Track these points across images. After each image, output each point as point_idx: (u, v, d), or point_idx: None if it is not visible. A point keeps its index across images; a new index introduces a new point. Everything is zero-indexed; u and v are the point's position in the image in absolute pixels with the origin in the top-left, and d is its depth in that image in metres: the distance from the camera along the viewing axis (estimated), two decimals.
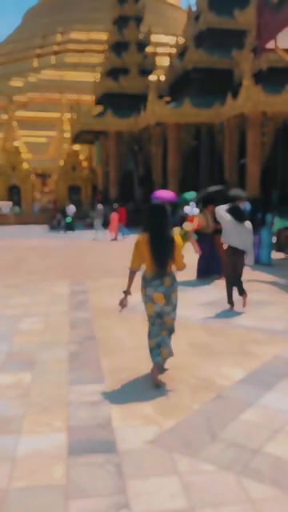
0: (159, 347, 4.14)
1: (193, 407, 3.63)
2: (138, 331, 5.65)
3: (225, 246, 7.18)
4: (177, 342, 5.06)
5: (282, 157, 25.41)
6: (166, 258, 4.07)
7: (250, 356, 4.79)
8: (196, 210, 9.28)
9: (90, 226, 27.07)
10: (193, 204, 9.28)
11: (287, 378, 4.17)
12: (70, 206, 24.08)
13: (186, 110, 24.12)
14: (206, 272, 9.52)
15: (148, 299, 4.16)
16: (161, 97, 26.45)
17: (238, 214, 6.73)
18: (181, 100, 25.28)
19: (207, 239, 9.47)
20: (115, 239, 18.39)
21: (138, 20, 30.10)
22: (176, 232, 4.63)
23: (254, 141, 22.44)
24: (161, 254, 4.06)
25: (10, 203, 30.15)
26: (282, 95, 21.57)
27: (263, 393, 3.84)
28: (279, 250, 13.30)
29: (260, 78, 22.84)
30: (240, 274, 6.86)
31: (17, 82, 57.68)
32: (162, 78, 30.24)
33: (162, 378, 4.19)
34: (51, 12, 66.09)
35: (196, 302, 7.31)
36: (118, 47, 29.27)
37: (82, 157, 35.62)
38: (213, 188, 10.84)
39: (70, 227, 23.21)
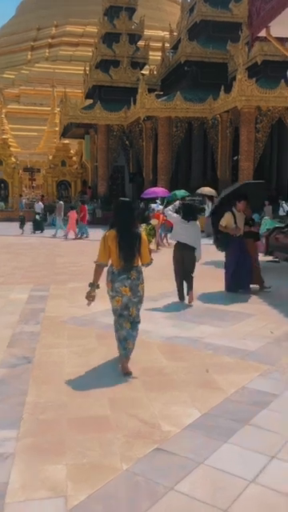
0: (126, 340, 4.28)
1: (120, 467, 2.78)
2: (85, 352, 4.81)
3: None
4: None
5: (276, 154, 24.56)
6: (132, 253, 4.23)
7: (212, 388, 3.94)
8: (161, 207, 8.73)
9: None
10: (158, 202, 8.70)
11: (250, 423, 3.31)
12: (39, 203, 22.82)
13: (178, 104, 23.26)
14: (237, 284, 7.84)
15: (116, 293, 4.26)
16: (153, 90, 25.55)
17: (187, 212, 7.07)
18: (173, 94, 24.39)
19: (236, 244, 7.76)
20: (76, 238, 17.63)
21: (131, 10, 29.12)
22: (143, 227, 5.07)
23: (248, 137, 21.60)
24: (128, 248, 4.20)
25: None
26: (276, 90, 20.72)
27: (216, 446, 2.99)
28: (268, 252, 12.42)
29: (255, 71, 21.97)
30: (189, 270, 7.08)
31: (9, 75, 56.65)
32: (155, 71, 29.34)
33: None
34: (47, 4, 64.94)
35: (163, 313, 6.46)
36: (109, 38, 28.30)
37: (72, 151, 34.65)
38: (245, 182, 9.39)
39: (37, 226, 20.52)
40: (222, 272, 10.28)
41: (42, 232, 20.23)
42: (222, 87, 22.08)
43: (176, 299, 7.38)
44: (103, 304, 6.92)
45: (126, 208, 4.41)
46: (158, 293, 7.73)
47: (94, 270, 4.43)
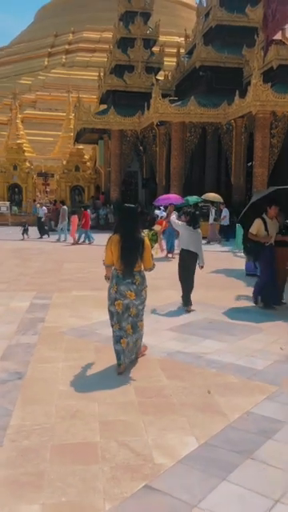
0: (128, 346, 4.43)
1: (101, 508, 2.47)
2: (80, 367, 4.51)
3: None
4: (125, 387, 3.92)
5: None
6: (134, 258, 4.35)
7: (213, 412, 3.61)
8: (164, 214, 8.59)
9: (91, 228, 26.07)
10: (162, 208, 8.55)
11: (253, 456, 2.97)
12: (43, 207, 22.22)
13: (191, 109, 22.95)
14: (268, 297, 7.30)
15: (120, 296, 4.38)
16: (167, 96, 25.30)
17: (195, 220, 7.09)
18: (187, 99, 24.11)
19: (267, 253, 7.18)
20: (76, 243, 17.42)
21: (146, 16, 28.96)
22: (145, 233, 5.04)
23: (262, 142, 21.17)
24: (129, 253, 4.32)
25: (8, 203, 29.15)
26: None
27: (213, 485, 2.66)
28: None
29: (270, 76, 21.56)
30: (192, 277, 7.21)
31: (26, 81, 57.10)
32: (169, 76, 29.11)
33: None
34: (64, 11, 65.44)
35: (168, 325, 6.14)
36: (124, 43, 28.16)
37: (86, 157, 34.57)
38: (277, 188, 8.84)
39: (41, 231, 20.04)
40: (231, 281, 9.96)
41: (42, 237, 19.75)
42: (237, 92, 21.72)
43: (182, 310, 7.06)
44: (105, 314, 6.65)
45: (130, 214, 4.55)
46: (164, 303, 7.43)
47: (105, 268, 4.66)
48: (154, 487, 2.64)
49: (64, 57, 60.09)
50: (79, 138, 30.53)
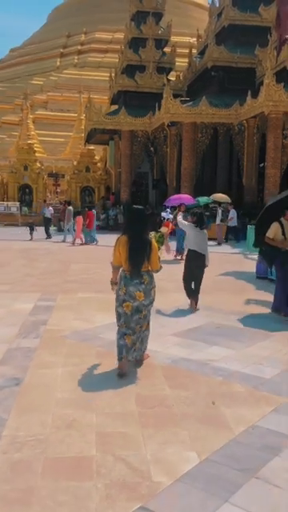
0: (134, 344, 4.45)
1: None
2: (80, 373, 4.35)
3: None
4: (125, 396, 3.74)
5: None
6: (141, 259, 4.34)
7: (217, 425, 3.42)
8: (171, 216, 8.52)
9: (100, 229, 25.94)
10: (168, 210, 8.46)
11: (258, 475, 2.78)
12: (49, 208, 21.87)
13: (203, 109, 22.71)
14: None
15: (129, 297, 4.36)
16: (179, 96, 25.11)
17: (201, 221, 7.14)
18: (198, 99, 23.89)
19: (284, 258, 6.90)
20: (83, 243, 17.33)
21: (158, 15, 28.79)
22: (152, 235, 5.08)
23: (275, 143, 20.86)
24: (136, 255, 4.32)
25: (18, 203, 29.17)
26: None
27: (214, 507, 2.48)
28: None
29: (283, 76, 21.25)
30: (200, 277, 7.24)
31: (38, 81, 57.29)
32: (181, 77, 28.92)
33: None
34: (77, 12, 65.56)
35: (174, 330, 5.95)
36: (136, 43, 28.02)
37: (97, 157, 34.51)
38: None
39: (47, 232, 19.76)
40: (241, 284, 9.73)
41: (50, 238, 19.51)
42: (249, 92, 21.45)
43: (189, 313, 6.88)
44: (109, 317, 6.51)
45: (138, 215, 4.56)
46: (171, 306, 7.25)
47: (112, 269, 4.62)
48: (151, 509, 2.46)
49: (76, 57, 60.20)
50: (90, 138, 30.45)
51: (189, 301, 7.24)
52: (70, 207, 19.41)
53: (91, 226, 17.60)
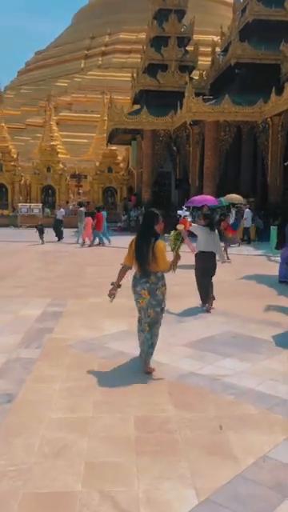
0: (143, 345, 4.60)
1: None
2: (80, 389, 4.02)
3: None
4: (123, 417, 3.40)
5: None
6: (143, 259, 4.47)
7: (222, 455, 3.03)
8: (187, 213, 8.41)
9: (122, 230, 25.68)
10: (184, 208, 8.33)
11: None
12: (61, 209, 21.55)
13: (225, 108, 22.16)
14: None
15: (139, 296, 4.55)
16: (201, 95, 24.59)
17: (212, 222, 7.37)
18: (221, 97, 23.35)
19: None
20: (91, 245, 17.23)
21: (180, 13, 28.34)
22: (171, 234, 5.06)
23: None
24: (139, 255, 4.50)
25: (40, 205, 29.20)
26: None
27: None
28: None
29: None
30: (212, 275, 7.29)
31: (62, 83, 57.62)
32: (204, 75, 28.39)
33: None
34: (101, 13, 65.64)
35: (185, 339, 5.57)
36: (158, 42, 27.65)
37: (119, 158, 34.31)
38: None
39: (57, 234, 19.28)
40: (262, 289, 9.25)
41: (61, 239, 19.11)
42: (273, 89, 20.82)
43: (203, 321, 6.49)
44: (118, 324, 6.20)
45: (148, 217, 4.75)
46: (183, 312, 6.87)
47: (119, 270, 4.74)
48: None
49: (100, 59, 60.28)
50: (112, 138, 30.25)
51: (202, 303, 7.27)
52: (82, 208, 19.18)
53: (100, 227, 17.40)
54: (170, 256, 4.59)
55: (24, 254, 14.86)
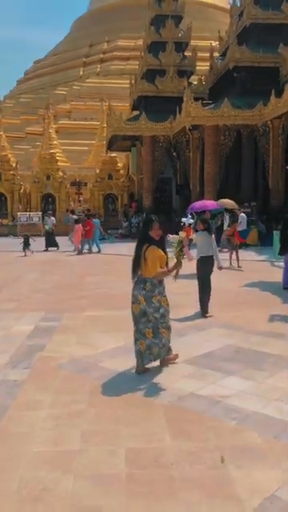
0: (150, 349, 4.62)
1: None
2: (67, 417, 3.67)
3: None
4: (114, 450, 3.06)
5: None
6: (135, 265, 4.65)
7: (224, 496, 2.67)
8: (192, 221, 8.29)
9: (123, 237, 25.37)
10: (189, 216, 8.21)
11: None
12: (51, 217, 21.08)
13: (225, 111, 21.89)
14: None
15: (135, 299, 4.63)
16: (200, 99, 24.34)
17: (209, 226, 7.50)
18: (220, 101, 23.09)
19: None
20: (80, 253, 17.05)
21: (177, 18, 28.18)
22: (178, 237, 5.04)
23: None
24: (133, 259, 4.67)
25: (40, 213, 28.95)
26: None
27: None
28: None
29: None
30: (209, 279, 7.31)
31: (61, 91, 57.64)
32: (203, 80, 28.16)
33: None
34: (99, 21, 65.81)
35: (185, 355, 5.21)
36: (155, 48, 27.46)
37: (120, 164, 34.09)
38: None
39: (49, 242, 18.77)
40: (266, 297, 8.89)
41: (57, 248, 18.67)
42: (273, 91, 20.54)
43: (204, 333, 6.13)
44: (115, 339, 5.85)
45: (144, 223, 4.93)
46: (183, 324, 6.52)
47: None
48: None
49: (99, 66, 60.32)
50: (111, 145, 30.04)
51: (202, 311, 7.23)
52: (73, 215, 19.01)
53: (90, 235, 17.25)
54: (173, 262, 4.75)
55: (21, 264, 14.56)
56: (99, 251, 17.64)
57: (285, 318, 7.06)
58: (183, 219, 9.29)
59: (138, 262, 4.63)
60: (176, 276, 4.74)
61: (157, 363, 4.81)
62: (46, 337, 6.11)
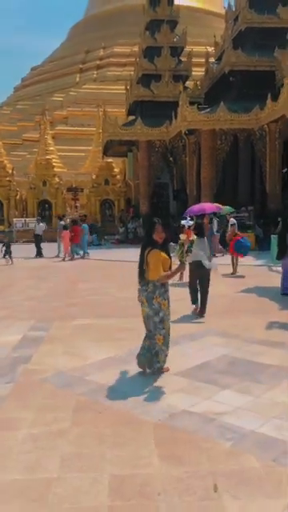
0: (157, 355, 4.67)
1: None
2: (47, 438, 3.37)
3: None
4: (97, 477, 2.77)
5: None
6: (139, 267, 4.70)
7: None
8: (191, 223, 8.26)
9: (119, 243, 25.06)
10: (188, 218, 8.23)
11: None
12: (40, 224, 20.48)
13: (221, 116, 21.71)
14: None
15: (141, 303, 4.74)
16: (194, 103, 24.17)
17: (203, 231, 7.58)
18: (216, 105, 22.91)
19: None
20: (71, 259, 16.91)
21: (172, 23, 28.09)
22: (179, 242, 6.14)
23: None
24: (138, 266, 4.71)
25: (35, 219, 28.66)
26: None
27: None
28: None
29: None
30: (207, 284, 7.40)
31: (58, 98, 57.60)
32: (199, 85, 28.01)
33: None
34: (95, 27, 65.91)
35: (178, 367, 4.92)
36: (151, 53, 27.34)
37: (116, 170, 33.88)
38: None
39: (38, 251, 18.34)
40: (263, 303, 8.60)
41: (41, 257, 18.06)
42: (269, 95, 20.36)
43: (198, 342, 5.84)
44: (105, 349, 5.57)
45: (147, 226, 5.02)
46: (179, 333, 6.20)
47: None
48: None
49: (95, 72, 60.32)
50: (107, 151, 29.85)
51: (193, 307, 7.51)
52: (62, 222, 18.64)
53: (77, 240, 17.16)
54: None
55: (15, 270, 14.26)
56: (84, 256, 17.53)
57: (283, 325, 6.78)
58: (183, 221, 9.14)
59: (142, 267, 4.67)
60: (181, 278, 5.02)
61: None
62: (32, 347, 5.81)
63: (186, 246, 7.93)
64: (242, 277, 11.73)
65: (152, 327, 4.64)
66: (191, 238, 8.23)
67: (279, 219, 10.98)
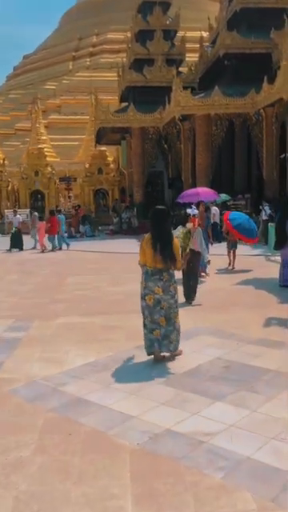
0: (167, 338, 4.74)
1: None
2: (4, 471, 2.81)
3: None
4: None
5: None
6: (166, 256, 4.70)
7: None
8: (196, 212, 7.74)
9: (114, 233, 24.44)
10: (193, 206, 7.80)
11: None
12: (17, 215, 20.03)
13: (216, 100, 20.98)
14: None
15: (149, 291, 4.72)
16: (188, 88, 23.42)
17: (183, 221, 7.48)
18: (211, 90, 22.18)
19: None
20: (43, 251, 16.42)
21: (165, 5, 27.19)
22: (181, 230, 6.24)
23: None
24: (162, 252, 4.69)
25: (28, 210, 27.99)
26: None
27: None
28: None
29: None
30: (197, 272, 7.65)
31: (50, 86, 56.55)
32: (193, 69, 27.20)
33: None
34: (87, 14, 64.59)
35: (165, 373, 4.37)
36: (143, 36, 26.49)
37: (110, 158, 33.13)
38: None
39: (15, 243, 17.02)
40: (261, 296, 8.05)
41: (19, 250, 16.92)
42: (265, 78, 19.66)
43: (191, 343, 5.29)
44: (87, 353, 5.03)
45: (161, 215, 4.87)
46: None
47: (141, 267, 4.89)
48: None
49: (88, 59, 59.20)
50: (100, 139, 29.08)
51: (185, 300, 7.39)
52: (36, 213, 18.17)
53: (54, 231, 16.48)
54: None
55: (1, 264, 13.68)
56: (62, 247, 16.91)
57: (282, 321, 6.24)
58: (188, 210, 8.45)
59: (169, 255, 4.70)
60: (184, 265, 5.23)
61: (133, 390, 3.99)
62: (6, 351, 5.25)
63: (193, 235, 7.69)
64: (240, 271, 11.05)
65: (167, 312, 4.73)
66: (197, 227, 7.94)
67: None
